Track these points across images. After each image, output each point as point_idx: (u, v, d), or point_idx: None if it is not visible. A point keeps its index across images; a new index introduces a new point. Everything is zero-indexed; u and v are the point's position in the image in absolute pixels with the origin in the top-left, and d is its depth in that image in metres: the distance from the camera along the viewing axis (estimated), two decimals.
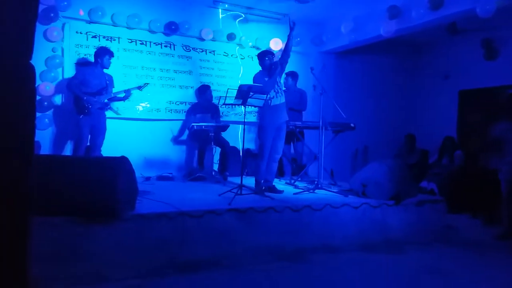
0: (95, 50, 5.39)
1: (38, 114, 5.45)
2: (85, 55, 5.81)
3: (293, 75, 6.23)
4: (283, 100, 4.86)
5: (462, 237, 4.72)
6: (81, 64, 5.71)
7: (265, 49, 6.91)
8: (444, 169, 6.51)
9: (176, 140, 6.47)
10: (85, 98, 5.11)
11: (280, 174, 6.08)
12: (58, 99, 5.74)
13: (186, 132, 6.42)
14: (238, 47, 6.88)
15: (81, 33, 5.84)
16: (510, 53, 6.69)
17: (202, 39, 6.59)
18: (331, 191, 4.90)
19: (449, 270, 3.59)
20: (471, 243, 4.47)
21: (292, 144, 6.17)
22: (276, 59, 5.01)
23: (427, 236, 4.47)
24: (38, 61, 5.25)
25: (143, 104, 6.18)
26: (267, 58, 4.90)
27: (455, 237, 4.65)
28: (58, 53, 5.68)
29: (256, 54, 5.21)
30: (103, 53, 5.25)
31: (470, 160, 6.49)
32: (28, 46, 1.52)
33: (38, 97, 5.45)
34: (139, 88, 5.55)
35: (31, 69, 1.52)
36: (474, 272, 3.60)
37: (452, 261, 3.89)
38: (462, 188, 5.83)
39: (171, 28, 6.26)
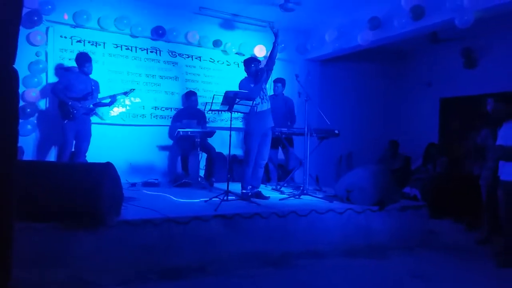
0: (76, 57, 5.35)
1: (20, 121, 5.37)
2: (69, 59, 5.75)
3: (283, 82, 6.31)
4: (268, 106, 4.90)
5: (444, 242, 4.81)
6: (66, 69, 5.65)
7: (249, 55, 6.97)
8: (427, 174, 6.63)
9: (161, 146, 6.44)
10: (70, 103, 5.07)
11: (267, 179, 6.11)
12: (42, 104, 5.67)
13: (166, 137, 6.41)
14: (223, 53, 6.91)
15: (65, 37, 5.79)
16: (488, 62, 6.89)
17: (188, 44, 6.59)
18: (316, 197, 4.94)
19: (431, 274, 3.65)
20: (453, 248, 4.55)
21: (280, 149, 6.21)
22: (261, 65, 5.06)
23: (410, 241, 4.54)
24: (21, 65, 5.19)
25: (134, 100, 6.12)
26: (253, 65, 4.95)
27: (437, 242, 4.73)
28: (41, 57, 5.62)
29: (242, 61, 5.25)
30: (82, 61, 5.23)
31: (452, 166, 6.62)
32: (11, 50, 1.52)
33: (22, 103, 5.38)
34: (125, 93, 5.55)
35: (14, 73, 1.51)
36: (456, 276, 3.67)
37: (434, 265, 3.96)
38: (444, 194, 5.94)
39: (158, 33, 6.26)
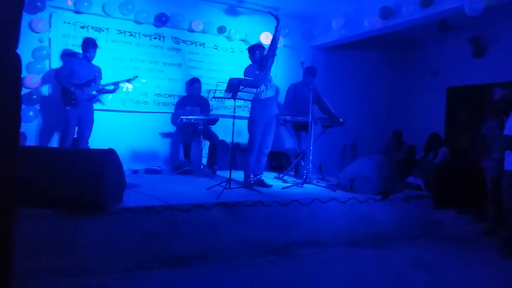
0: (81, 42, 5.31)
1: (23, 107, 5.36)
2: (73, 45, 5.71)
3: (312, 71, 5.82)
4: (273, 93, 4.85)
5: (448, 232, 4.79)
6: (70, 54, 5.61)
7: (255, 42, 6.90)
8: (430, 165, 6.59)
9: (164, 133, 6.42)
10: (72, 89, 5.04)
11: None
12: (45, 90, 5.64)
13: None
14: (227, 40, 6.84)
15: (69, 23, 5.73)
16: (497, 51, 6.77)
17: (192, 31, 6.52)
18: (319, 185, 4.92)
19: (435, 265, 3.64)
20: (457, 239, 4.54)
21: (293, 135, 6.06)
22: (265, 52, 5.00)
23: (413, 231, 4.53)
24: (24, 52, 5.15)
25: (142, 81, 6.08)
26: (257, 52, 4.89)
27: (441, 233, 4.72)
28: (45, 43, 5.57)
29: (247, 48, 5.19)
30: (86, 46, 5.20)
31: (457, 156, 6.57)
32: (14, 35, 1.49)
33: (26, 90, 5.36)
34: (128, 81, 5.50)
35: (17, 59, 1.49)
36: (459, 266, 3.66)
37: (437, 255, 3.95)
38: (448, 184, 5.91)
39: (161, 20, 6.18)
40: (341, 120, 5.51)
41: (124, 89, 5.80)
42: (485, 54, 6.96)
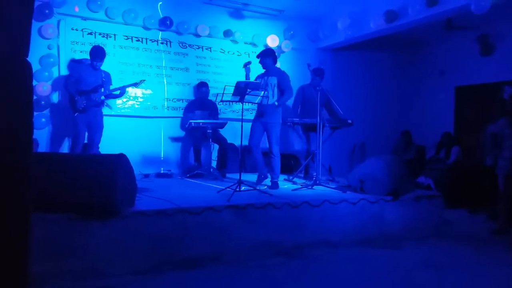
0: (90, 50, 5.36)
1: (34, 113, 5.42)
2: (81, 52, 5.77)
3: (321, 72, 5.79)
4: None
5: (459, 232, 4.75)
6: (77, 61, 5.68)
7: (262, 46, 6.93)
8: (441, 164, 6.54)
9: (174, 137, 6.46)
10: (76, 98, 5.10)
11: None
12: (54, 97, 5.72)
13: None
14: (233, 43, 6.86)
15: (76, 29, 5.81)
16: (505, 49, 6.72)
17: (198, 36, 6.57)
18: (329, 187, 4.92)
19: (446, 264, 3.61)
20: (468, 238, 4.50)
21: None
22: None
23: (424, 231, 4.49)
24: (32, 59, 5.22)
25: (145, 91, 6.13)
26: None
27: (452, 232, 4.68)
28: (53, 50, 5.65)
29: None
30: (93, 56, 5.23)
31: (467, 155, 6.52)
32: (24, 43, 1.51)
33: (34, 97, 5.43)
34: (135, 85, 5.51)
35: (28, 66, 1.51)
36: (470, 266, 3.63)
37: (448, 255, 3.92)
38: (459, 183, 5.86)
39: (166, 24, 6.22)
40: (349, 121, 5.50)
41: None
42: (493, 52, 6.91)
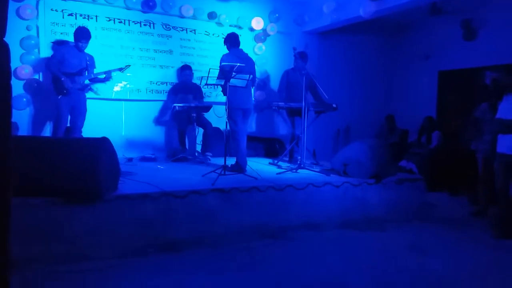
0: (74, 29, 5.23)
1: (15, 94, 5.30)
2: (61, 33, 5.62)
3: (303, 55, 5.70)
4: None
5: (441, 214, 4.86)
6: (60, 42, 5.53)
7: (247, 28, 6.86)
8: (423, 148, 6.65)
9: (158, 120, 6.40)
10: (62, 78, 4.98)
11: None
12: (36, 79, 5.57)
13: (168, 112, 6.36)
14: (218, 26, 6.77)
15: (56, 10, 5.64)
16: (488, 34, 6.79)
17: (182, 17, 6.45)
18: (313, 170, 4.96)
19: (428, 246, 3.71)
20: (449, 220, 4.61)
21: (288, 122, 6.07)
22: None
23: (406, 213, 4.59)
24: (12, 41, 5.07)
25: (121, 84, 6.02)
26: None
27: (434, 215, 4.78)
28: (33, 32, 5.48)
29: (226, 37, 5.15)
30: (78, 37, 5.12)
31: (449, 139, 6.63)
32: (1, 23, 1.46)
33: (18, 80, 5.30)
34: (121, 70, 5.41)
35: (5, 47, 1.47)
36: (452, 247, 3.73)
37: (430, 237, 4.02)
38: (440, 167, 5.97)
39: (148, 5, 6.09)
40: (334, 105, 5.52)
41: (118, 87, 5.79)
42: (475, 37, 6.98)
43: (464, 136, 5.37)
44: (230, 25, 6.81)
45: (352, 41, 7.84)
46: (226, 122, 4.64)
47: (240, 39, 5.22)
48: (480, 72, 6.94)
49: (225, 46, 5.08)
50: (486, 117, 4.60)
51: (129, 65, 5.54)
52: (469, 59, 7.03)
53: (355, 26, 6.94)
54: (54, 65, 5.02)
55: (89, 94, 5.49)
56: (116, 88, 5.95)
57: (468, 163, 5.16)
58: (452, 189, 5.84)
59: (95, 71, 5.33)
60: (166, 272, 2.97)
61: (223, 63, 4.58)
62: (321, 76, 6.76)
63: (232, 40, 5.03)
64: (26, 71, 5.36)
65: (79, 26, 5.31)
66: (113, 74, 5.41)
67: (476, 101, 5.03)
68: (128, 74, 5.95)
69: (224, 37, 5.20)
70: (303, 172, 4.87)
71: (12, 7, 5.22)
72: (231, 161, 4.87)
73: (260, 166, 5.26)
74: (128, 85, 6.05)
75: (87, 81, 5.21)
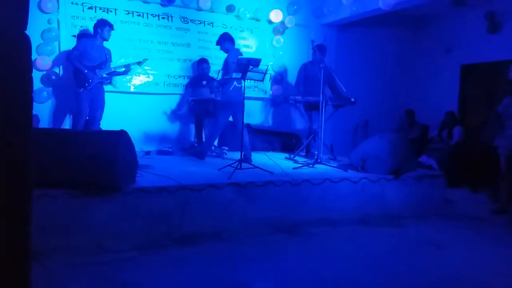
0: (95, 21, 5.28)
1: (36, 87, 5.40)
2: (81, 27, 5.69)
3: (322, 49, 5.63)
4: None
5: (460, 211, 4.77)
6: (81, 35, 5.60)
7: (265, 20, 6.81)
8: (444, 144, 6.52)
9: (175, 114, 6.43)
10: (86, 71, 5.04)
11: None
12: (56, 72, 5.66)
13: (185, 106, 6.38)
14: (236, 18, 6.74)
15: (76, 4, 5.70)
16: None
17: (200, 10, 6.44)
18: (330, 165, 4.91)
19: (446, 242, 3.64)
20: (469, 217, 4.51)
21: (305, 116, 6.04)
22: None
23: (425, 210, 4.51)
24: (33, 33, 5.15)
25: (139, 78, 6.09)
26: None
27: (453, 211, 4.69)
28: (53, 25, 5.56)
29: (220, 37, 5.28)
30: (103, 25, 5.16)
31: (471, 135, 6.48)
32: (23, 16, 1.48)
33: (40, 72, 5.39)
34: (139, 63, 5.45)
35: (27, 40, 1.48)
36: (470, 245, 3.66)
37: (449, 234, 3.94)
38: (461, 163, 5.85)
39: None
40: (352, 99, 5.45)
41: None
42: (500, 29, 6.77)
43: (486, 132, 5.24)
44: (248, 18, 6.77)
45: (371, 34, 7.70)
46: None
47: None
48: (504, 66, 6.77)
49: (224, 46, 5.19)
50: (509, 112, 4.47)
51: (147, 59, 5.57)
52: (492, 52, 6.83)
53: (375, 19, 6.82)
54: (76, 57, 5.07)
55: (107, 87, 5.54)
56: (135, 82, 6.00)
57: (489, 159, 5.04)
58: (473, 186, 5.71)
59: (112, 65, 5.38)
60: (183, 265, 2.99)
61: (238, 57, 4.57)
62: (340, 70, 6.67)
63: (232, 40, 5.21)
64: (45, 62, 5.44)
65: (101, 18, 5.37)
66: (132, 67, 5.45)
67: (500, 96, 4.90)
68: (146, 68, 6.00)
69: (222, 36, 5.32)
70: (320, 167, 4.83)
71: (34, 0, 5.29)
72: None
73: (277, 160, 5.24)
74: (149, 78, 6.09)
75: (105, 75, 5.26)
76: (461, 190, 5.58)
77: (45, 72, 5.50)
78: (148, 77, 6.18)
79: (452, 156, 6.04)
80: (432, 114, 7.29)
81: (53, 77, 5.56)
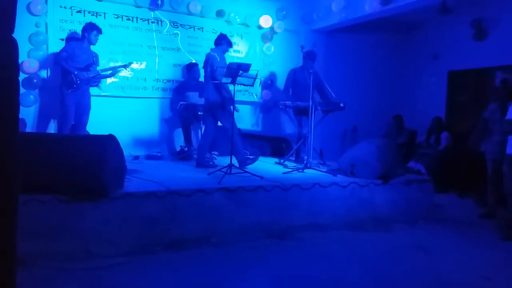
0: (83, 25, 5.25)
1: (23, 91, 5.33)
2: (69, 30, 5.64)
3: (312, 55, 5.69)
4: None
5: (448, 215, 4.80)
6: (70, 38, 5.55)
7: (255, 26, 6.84)
8: (431, 149, 6.59)
9: (164, 118, 6.40)
10: (75, 72, 5.00)
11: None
12: (43, 75, 5.59)
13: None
14: (226, 24, 6.76)
15: (65, 7, 5.65)
16: (499, 34, 6.71)
17: (190, 14, 6.44)
18: (320, 170, 4.93)
19: (435, 247, 3.67)
20: (457, 222, 4.55)
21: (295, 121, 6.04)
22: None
23: (414, 214, 4.54)
24: (21, 36, 5.09)
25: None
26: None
27: (442, 216, 4.73)
28: (41, 28, 5.51)
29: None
30: (90, 29, 5.14)
31: (458, 140, 6.56)
32: (10, 19, 1.46)
33: (25, 75, 5.32)
34: (125, 66, 5.45)
35: (14, 43, 1.46)
36: (459, 249, 3.69)
37: (437, 238, 3.97)
38: (449, 168, 5.91)
39: (156, 4, 6.08)
40: (341, 104, 5.48)
41: (124, 73, 5.78)
42: (486, 37, 6.89)
43: (473, 137, 5.31)
44: (237, 24, 6.79)
45: (360, 40, 7.78)
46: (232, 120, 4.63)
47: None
48: (490, 73, 6.91)
49: (221, 48, 5.10)
50: (495, 118, 4.55)
51: (132, 62, 5.57)
52: (479, 59, 6.94)
53: (364, 25, 6.89)
54: (64, 59, 5.03)
55: (94, 91, 5.50)
56: (124, 86, 5.96)
57: (477, 164, 5.10)
58: (461, 191, 5.78)
59: (99, 68, 5.34)
60: (173, 270, 2.96)
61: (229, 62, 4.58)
62: (329, 75, 6.72)
63: (230, 44, 5.20)
64: (32, 65, 5.37)
65: (89, 22, 5.36)
66: (119, 70, 5.43)
67: (486, 102, 4.97)
68: (133, 70, 5.96)
69: (222, 36, 5.21)
70: (309, 172, 4.85)
71: (23, 2, 5.24)
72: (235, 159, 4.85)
73: (266, 165, 5.24)
74: (137, 82, 6.05)
75: (90, 77, 5.22)
76: (448, 195, 5.64)
77: (27, 76, 5.39)
78: (137, 81, 6.14)
79: (440, 161, 6.11)
80: (420, 120, 7.37)
81: (35, 80, 5.43)
